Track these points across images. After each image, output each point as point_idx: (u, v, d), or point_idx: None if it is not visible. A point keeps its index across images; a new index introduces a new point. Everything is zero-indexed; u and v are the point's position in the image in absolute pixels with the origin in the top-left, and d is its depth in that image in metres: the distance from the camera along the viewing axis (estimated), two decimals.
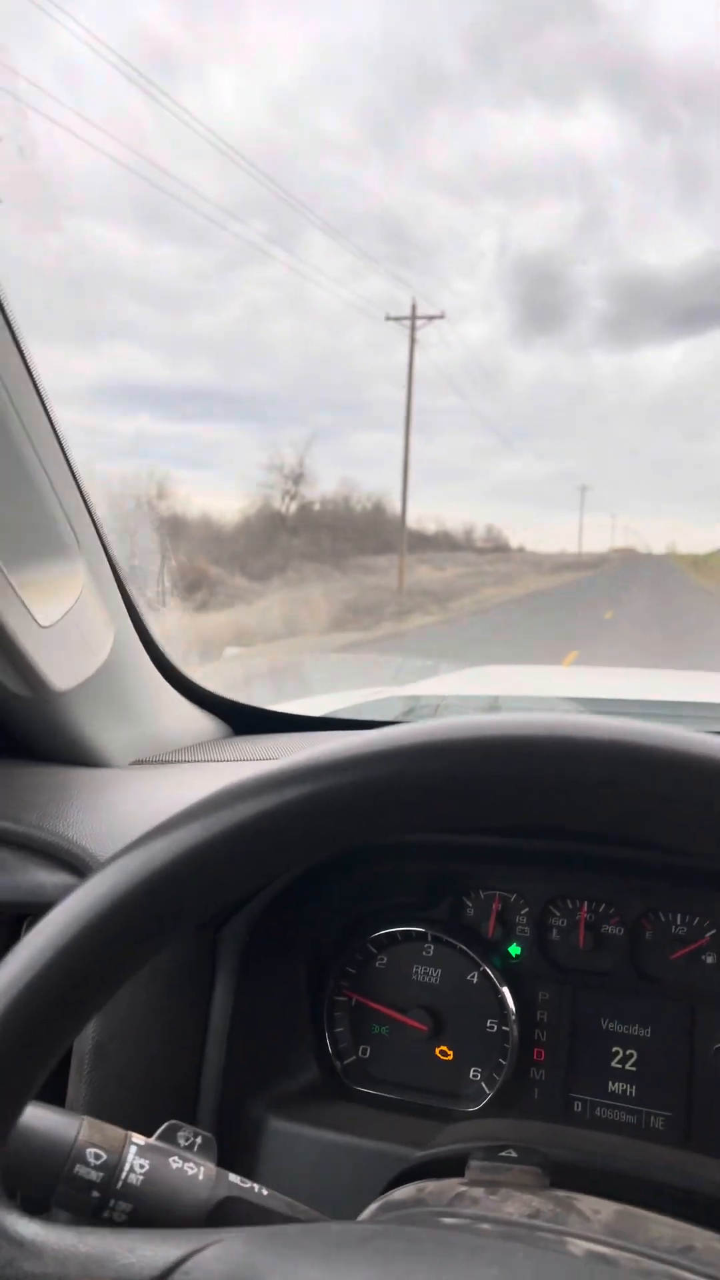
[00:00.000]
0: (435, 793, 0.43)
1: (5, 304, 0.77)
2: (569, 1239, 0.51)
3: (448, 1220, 0.54)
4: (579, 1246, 0.49)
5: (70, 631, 0.83)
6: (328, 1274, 0.38)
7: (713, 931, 0.84)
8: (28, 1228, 0.42)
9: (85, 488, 0.92)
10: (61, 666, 0.83)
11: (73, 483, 0.88)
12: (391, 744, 0.43)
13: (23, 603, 0.75)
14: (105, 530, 0.96)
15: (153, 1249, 0.41)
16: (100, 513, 0.93)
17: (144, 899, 0.43)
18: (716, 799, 0.39)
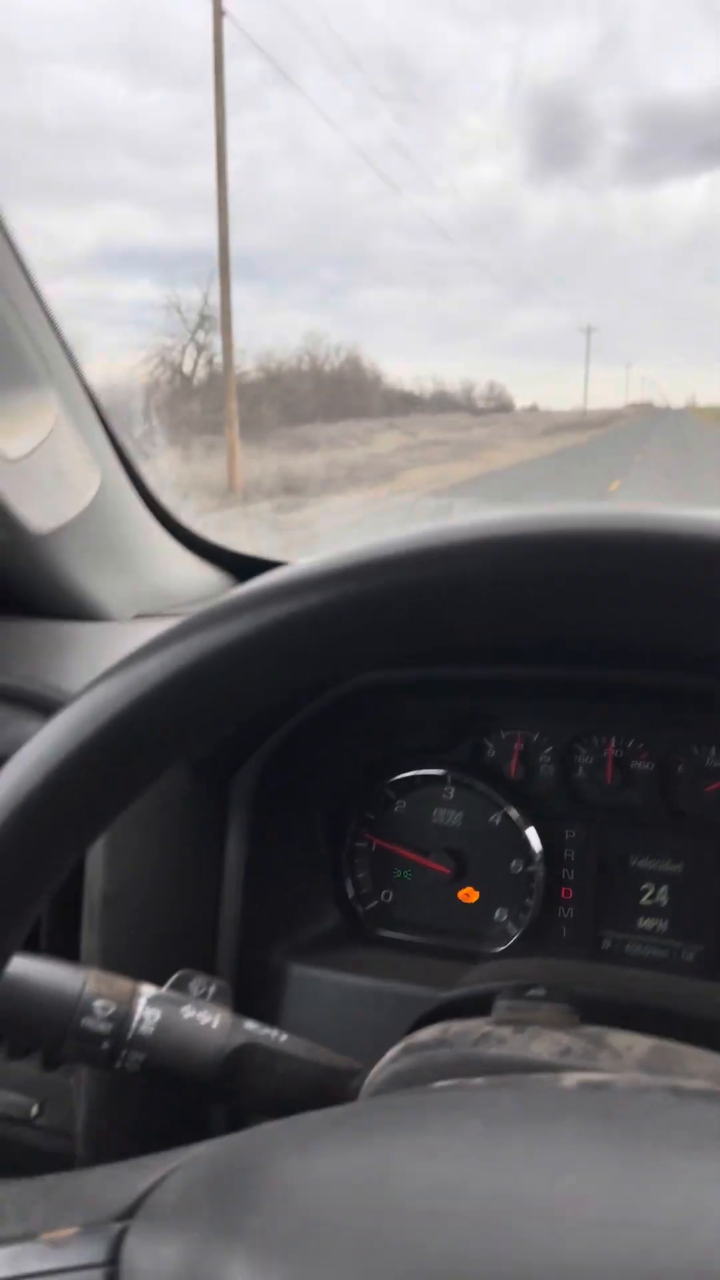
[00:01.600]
0: (456, 596, 0.37)
1: None
2: (564, 1075, 0.48)
3: (439, 1085, 0.52)
4: (572, 1079, 0.47)
5: (44, 467, 0.76)
6: (304, 1162, 0.36)
7: None
8: None
9: (54, 314, 0.83)
10: (37, 505, 0.76)
11: (37, 305, 0.79)
12: (401, 548, 0.37)
13: None
14: (79, 362, 0.88)
15: (123, 1178, 0.39)
16: (71, 340, 0.85)
17: (134, 719, 0.39)
18: None
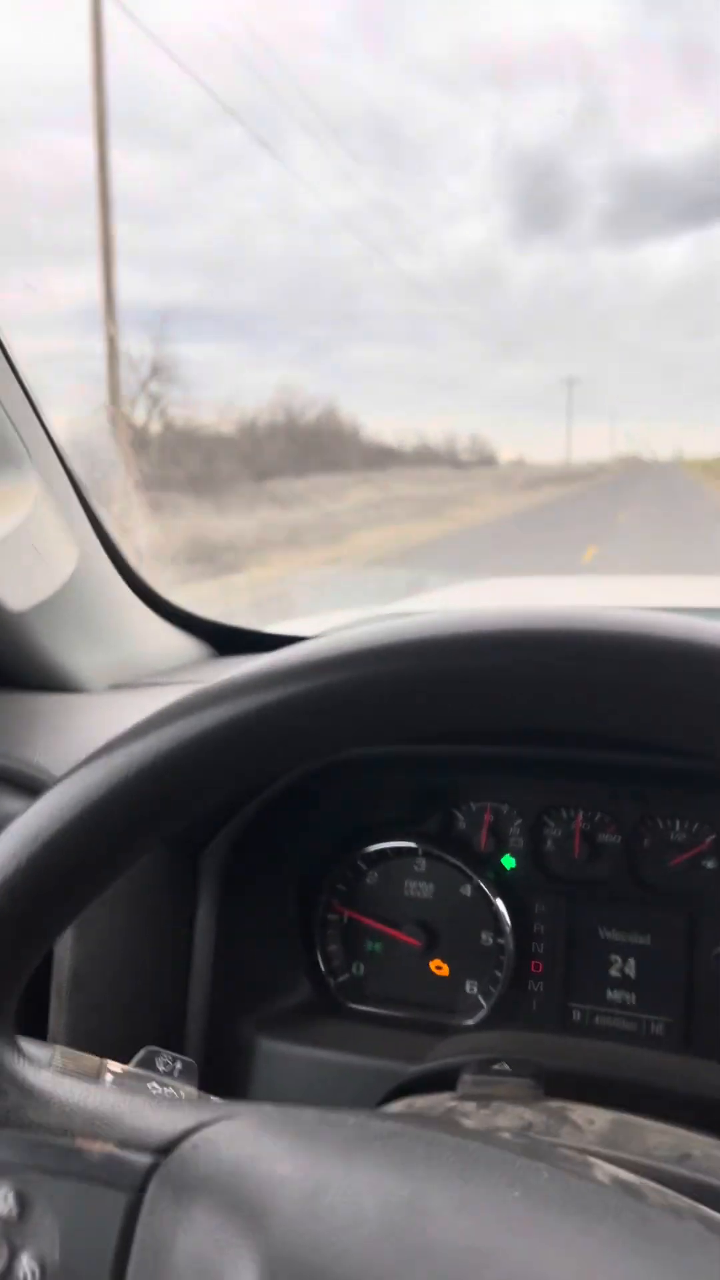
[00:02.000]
0: (404, 694, 0.39)
1: None
2: (596, 1163, 0.49)
3: (468, 1124, 0.52)
4: (605, 1173, 0.47)
5: (23, 547, 0.78)
6: (341, 1170, 0.36)
7: (712, 837, 0.81)
8: (38, 1076, 0.41)
9: (34, 394, 0.86)
10: (15, 585, 0.78)
11: (18, 387, 0.82)
12: (361, 646, 0.40)
13: None
14: (61, 443, 0.91)
15: (163, 1115, 0.40)
16: (53, 425, 0.87)
17: (107, 810, 0.40)
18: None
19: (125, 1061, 0.59)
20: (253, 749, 0.41)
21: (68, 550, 0.90)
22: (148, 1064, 0.59)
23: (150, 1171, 0.37)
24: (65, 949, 0.72)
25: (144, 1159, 0.37)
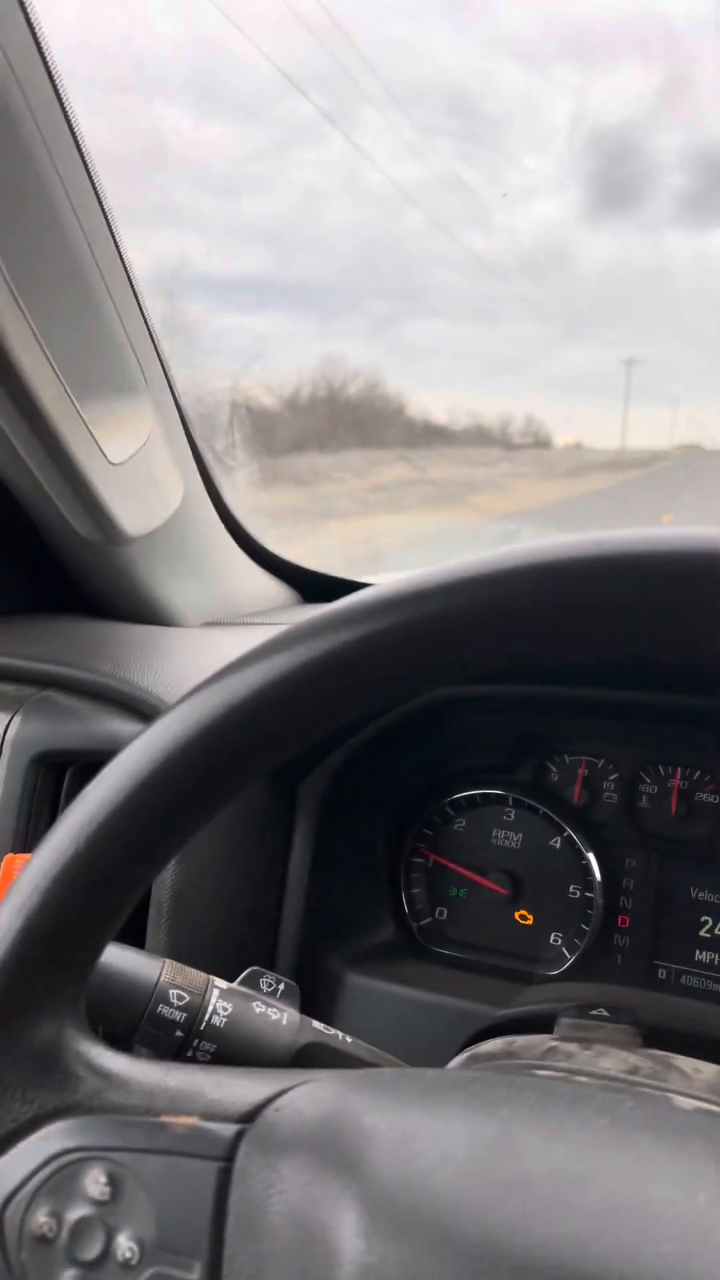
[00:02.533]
0: (526, 617, 0.38)
1: (80, 140, 0.71)
2: (673, 1095, 0.49)
3: (543, 1073, 0.52)
4: (686, 1102, 0.47)
5: (141, 473, 0.79)
6: (426, 1116, 0.36)
7: None
8: (114, 1060, 0.42)
9: (154, 326, 0.87)
10: (133, 510, 0.79)
11: (141, 319, 0.83)
12: (474, 570, 0.39)
13: (94, 437, 0.71)
14: (172, 373, 0.91)
15: (243, 1085, 0.40)
16: (165, 352, 0.88)
17: (214, 740, 0.40)
18: None
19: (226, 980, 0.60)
20: (356, 680, 0.40)
21: (176, 483, 0.91)
22: (252, 983, 0.61)
23: (237, 1139, 0.37)
24: (167, 869, 0.73)
25: (230, 1128, 0.37)
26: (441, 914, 0.90)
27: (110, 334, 0.76)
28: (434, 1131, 0.35)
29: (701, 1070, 0.55)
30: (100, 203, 0.74)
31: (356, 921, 0.87)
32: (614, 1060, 0.55)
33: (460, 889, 0.90)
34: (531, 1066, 0.55)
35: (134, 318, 0.81)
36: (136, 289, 0.81)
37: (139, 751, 0.42)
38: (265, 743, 0.41)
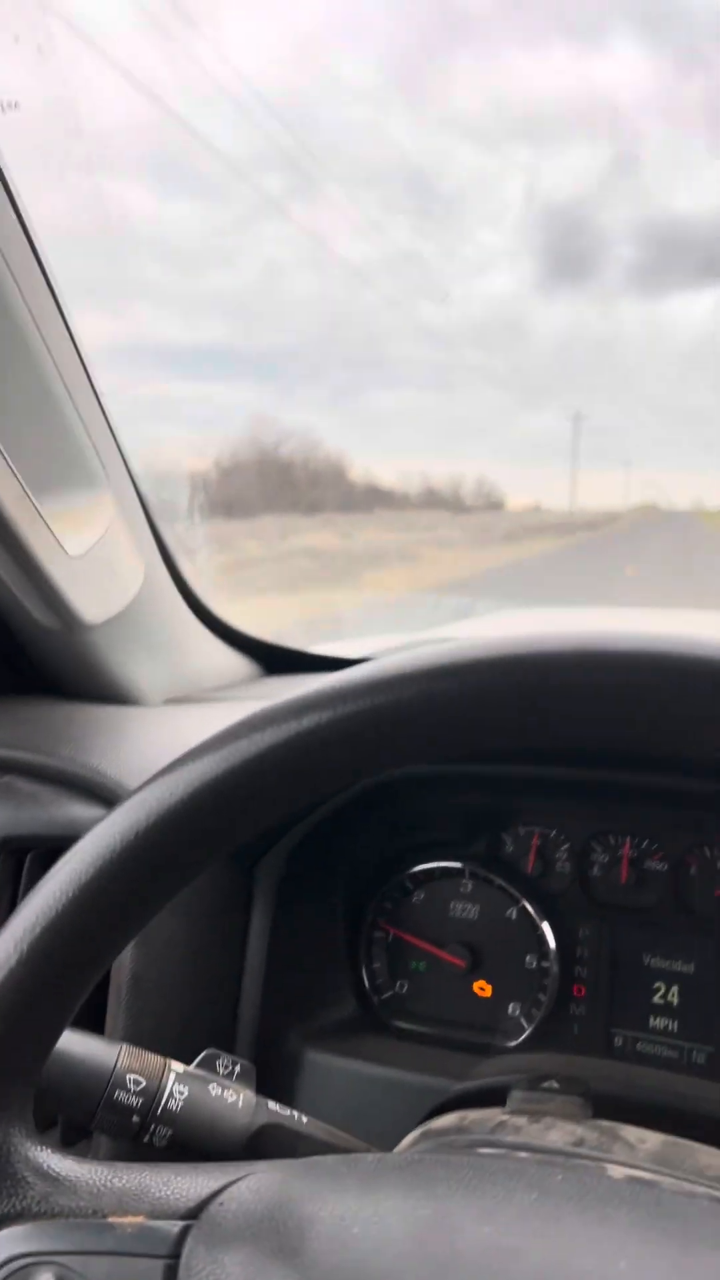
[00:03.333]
0: (451, 714, 0.41)
1: (32, 235, 0.75)
2: (609, 1165, 0.50)
3: (485, 1151, 0.54)
4: (619, 1171, 0.48)
5: (100, 563, 0.81)
6: (364, 1201, 0.38)
7: None
8: (62, 1163, 0.43)
9: (112, 418, 0.90)
10: (91, 598, 0.81)
11: (99, 412, 0.86)
12: (407, 668, 0.42)
13: (52, 532, 0.73)
14: (132, 462, 0.94)
15: (188, 1181, 0.41)
16: (126, 444, 0.91)
17: (172, 827, 0.42)
18: None
19: (183, 1063, 0.61)
20: (314, 766, 0.42)
21: (136, 567, 0.93)
22: (208, 1065, 0.61)
23: (183, 1236, 0.38)
24: (126, 953, 0.74)
25: (175, 1225, 0.38)
26: (402, 987, 0.91)
27: (68, 430, 0.80)
28: (372, 1216, 0.37)
29: (645, 1140, 0.57)
30: (54, 297, 0.77)
31: (316, 998, 0.88)
32: (561, 1133, 0.56)
33: (420, 962, 0.91)
34: (482, 1141, 0.56)
35: (92, 411, 0.84)
36: (94, 383, 0.84)
37: (97, 840, 0.43)
38: (222, 829, 0.43)
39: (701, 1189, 0.42)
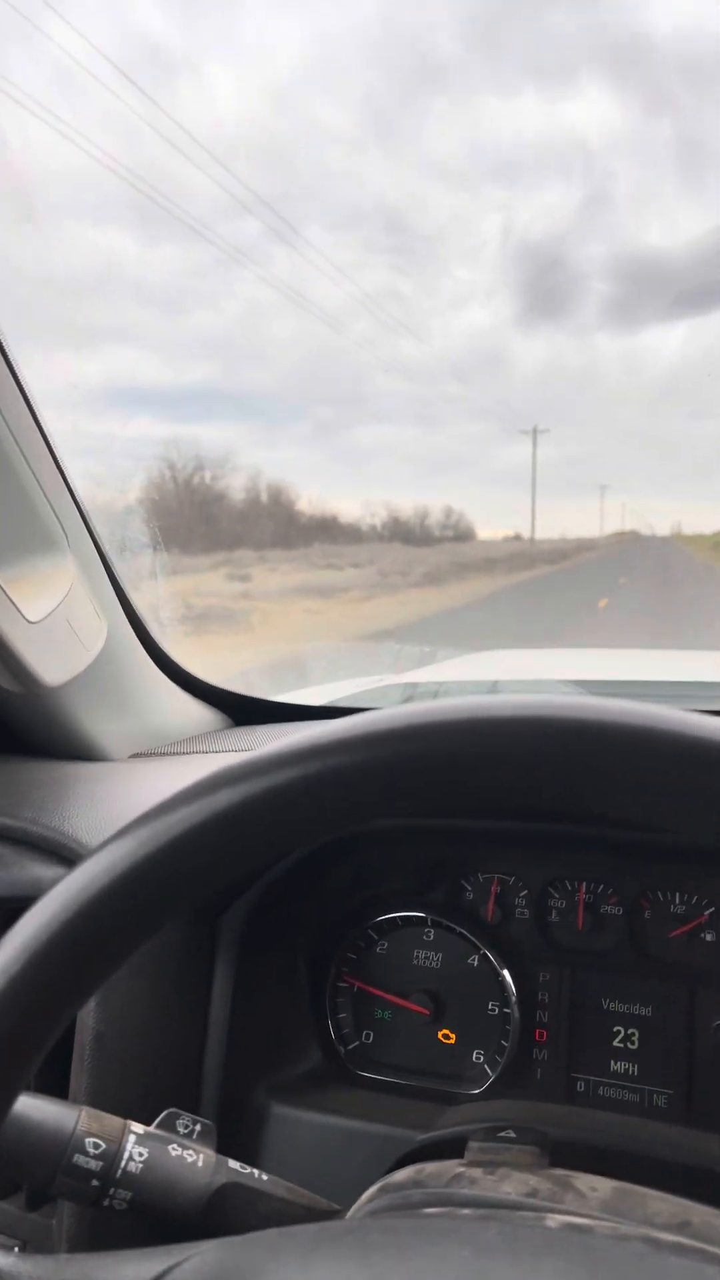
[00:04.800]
0: (413, 776, 0.42)
1: None
2: (548, 1214, 0.51)
3: (429, 1210, 0.55)
4: (556, 1220, 0.49)
5: (60, 626, 0.83)
6: (303, 1273, 0.39)
7: (711, 910, 0.84)
8: (5, 1260, 0.43)
9: (72, 482, 0.92)
10: (52, 662, 0.83)
11: (59, 478, 0.88)
12: (367, 729, 0.43)
13: (10, 599, 0.75)
14: (94, 524, 0.96)
15: (131, 1268, 0.42)
16: (88, 506, 0.93)
17: (132, 885, 0.43)
18: (693, 780, 0.39)
19: (145, 1122, 0.61)
20: (274, 824, 0.44)
21: (99, 626, 0.95)
22: (168, 1125, 0.62)
23: None
24: (88, 1013, 0.75)
25: None
26: (368, 1037, 0.92)
27: (26, 497, 0.82)
28: None
29: (597, 1188, 0.58)
30: (10, 370, 0.80)
31: (282, 1051, 0.88)
32: (515, 1184, 0.58)
33: (385, 1011, 0.92)
34: (437, 1196, 0.57)
35: (49, 473, 0.86)
36: (54, 450, 0.86)
37: (55, 899, 0.44)
38: (184, 885, 0.44)
39: (635, 1232, 0.43)
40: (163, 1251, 0.42)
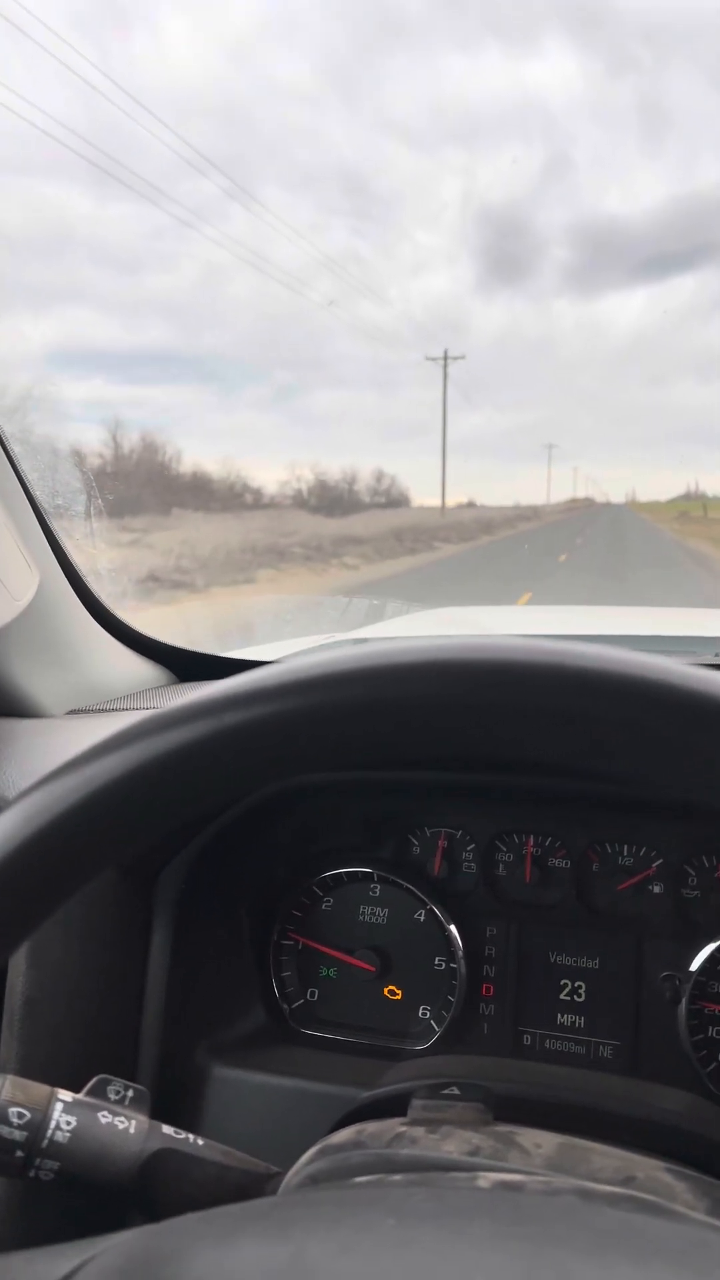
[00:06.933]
0: (343, 723, 0.40)
1: None
2: (481, 1174, 0.50)
3: (357, 1180, 0.53)
4: (488, 1179, 0.48)
5: None
6: (222, 1254, 0.37)
7: (659, 861, 0.83)
8: None
9: (3, 434, 0.87)
10: None
11: None
12: (299, 675, 0.41)
13: None
14: (23, 467, 0.91)
15: (42, 1265, 0.39)
16: (16, 449, 0.88)
17: (50, 840, 0.40)
18: (642, 718, 0.36)
19: (78, 1089, 0.59)
20: (205, 773, 0.41)
21: (28, 576, 0.90)
22: (99, 1092, 0.60)
23: None
24: (19, 976, 0.72)
25: None
26: (313, 995, 0.90)
27: None
28: (230, 1267, 0.36)
29: (542, 1144, 0.57)
30: None
31: (224, 1011, 0.86)
32: (457, 1142, 0.56)
33: (330, 969, 0.90)
34: (375, 1158, 0.55)
35: None
36: None
37: None
38: (104, 843, 0.41)
39: (567, 1184, 0.42)
40: (75, 1247, 0.40)
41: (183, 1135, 0.60)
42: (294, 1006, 0.90)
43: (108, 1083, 0.60)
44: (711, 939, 0.80)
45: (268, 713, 0.40)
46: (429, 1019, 0.87)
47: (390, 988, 0.88)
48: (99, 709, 1.08)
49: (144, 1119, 0.59)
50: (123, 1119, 0.58)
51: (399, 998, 0.88)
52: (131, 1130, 0.58)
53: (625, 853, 0.84)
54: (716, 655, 1.30)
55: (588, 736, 0.37)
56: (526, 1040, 0.85)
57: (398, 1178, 0.43)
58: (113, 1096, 0.60)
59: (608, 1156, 0.57)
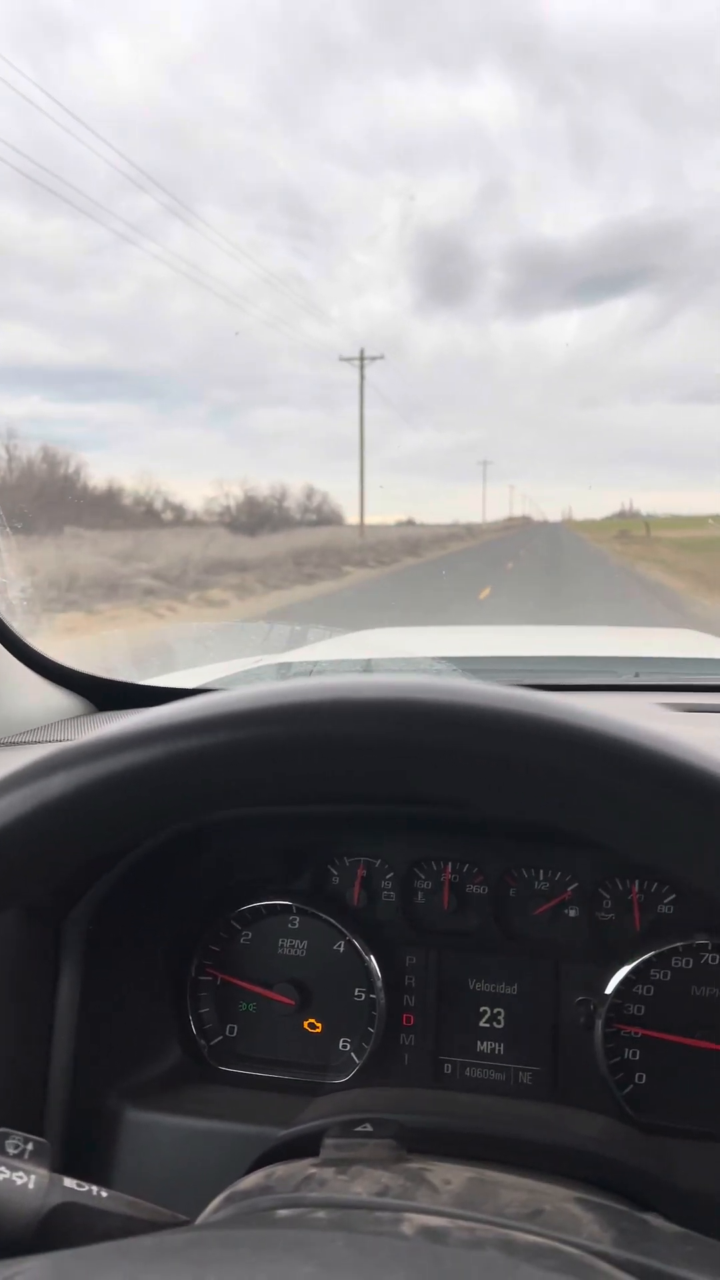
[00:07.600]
0: (244, 761, 0.39)
1: None
2: (406, 1217, 0.49)
3: (281, 1213, 0.52)
4: (413, 1224, 0.47)
5: None
6: None
7: (574, 885, 0.84)
8: None
9: None
10: None
11: None
12: (198, 714, 0.40)
13: None
14: None
15: None
16: None
17: None
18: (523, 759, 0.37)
19: None
20: (109, 813, 0.40)
21: None
22: None
23: None
24: None
25: None
26: (232, 1031, 0.88)
27: None
28: None
29: (451, 1181, 0.56)
30: None
31: (138, 1052, 0.84)
32: (366, 1182, 0.55)
33: (249, 1003, 0.88)
34: (284, 1202, 0.54)
35: None
36: None
37: None
38: (7, 880, 0.40)
39: (492, 1235, 0.41)
40: None
41: (86, 1188, 0.58)
42: (212, 1043, 0.88)
43: (6, 1136, 0.57)
44: (625, 961, 0.80)
45: (162, 754, 0.40)
46: (349, 1051, 0.86)
47: (310, 1020, 0.87)
48: (10, 742, 1.05)
49: (44, 1172, 0.57)
50: (21, 1174, 0.56)
51: (319, 1030, 0.87)
52: (31, 1185, 0.56)
53: (541, 877, 0.84)
54: (635, 675, 1.32)
55: (456, 771, 0.37)
56: (447, 1069, 0.84)
57: (321, 1214, 0.42)
58: (11, 1151, 0.57)
59: (516, 1189, 0.56)
